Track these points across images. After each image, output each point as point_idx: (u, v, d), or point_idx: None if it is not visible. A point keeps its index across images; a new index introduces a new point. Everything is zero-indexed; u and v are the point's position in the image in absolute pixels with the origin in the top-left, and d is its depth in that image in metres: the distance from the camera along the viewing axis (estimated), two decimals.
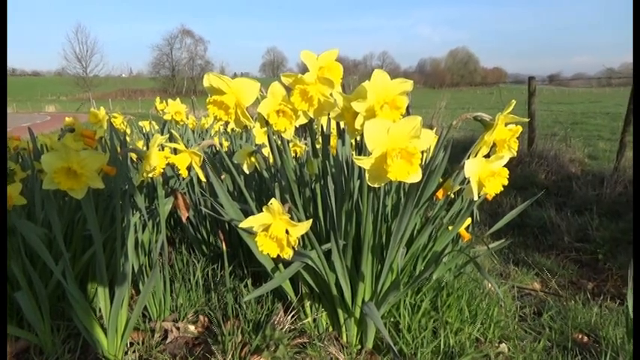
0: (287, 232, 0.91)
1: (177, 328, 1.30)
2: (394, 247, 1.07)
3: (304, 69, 0.93)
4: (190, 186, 1.75)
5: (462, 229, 1.34)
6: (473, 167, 0.91)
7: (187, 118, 2.59)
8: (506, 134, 0.97)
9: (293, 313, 1.29)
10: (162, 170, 1.13)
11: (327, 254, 1.12)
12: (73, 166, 0.92)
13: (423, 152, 1.26)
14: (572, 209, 2.72)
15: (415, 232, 1.27)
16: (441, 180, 1.14)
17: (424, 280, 1.26)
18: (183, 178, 1.69)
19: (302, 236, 1.06)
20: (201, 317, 1.37)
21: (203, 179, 1.27)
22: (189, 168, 1.23)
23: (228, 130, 2.82)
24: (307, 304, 1.28)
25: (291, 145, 1.76)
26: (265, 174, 1.42)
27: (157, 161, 1.08)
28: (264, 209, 0.91)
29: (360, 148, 1.07)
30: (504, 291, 1.59)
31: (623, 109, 3.49)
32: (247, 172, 1.45)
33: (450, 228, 1.25)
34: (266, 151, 1.43)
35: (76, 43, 42.20)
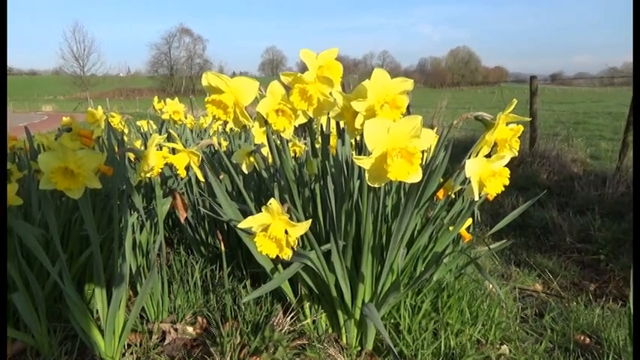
0: (286, 232, 0.91)
1: (176, 330, 1.30)
2: (394, 248, 1.07)
3: (304, 68, 0.93)
4: (189, 186, 1.75)
5: (462, 230, 1.34)
6: (474, 167, 0.91)
7: (186, 118, 2.59)
8: (507, 134, 0.97)
9: (292, 314, 1.29)
10: (160, 170, 1.13)
11: (327, 255, 1.12)
12: (70, 166, 0.92)
13: (423, 152, 1.26)
14: (574, 210, 2.72)
15: (415, 232, 1.27)
16: (441, 180, 1.14)
17: (424, 281, 1.26)
18: (182, 178, 1.69)
19: (301, 237, 1.06)
20: (199, 319, 1.37)
21: (201, 179, 1.27)
22: (188, 168, 1.23)
23: (227, 129, 2.82)
24: (307, 305, 1.28)
25: (290, 144, 1.76)
26: (264, 174, 1.42)
27: (154, 161, 1.08)
28: (263, 209, 0.91)
29: (360, 148, 1.07)
30: (506, 292, 1.59)
31: (626, 108, 3.50)
32: (246, 172, 1.45)
33: (451, 228, 1.25)
34: (265, 150, 1.43)
35: (73, 42, 42.31)
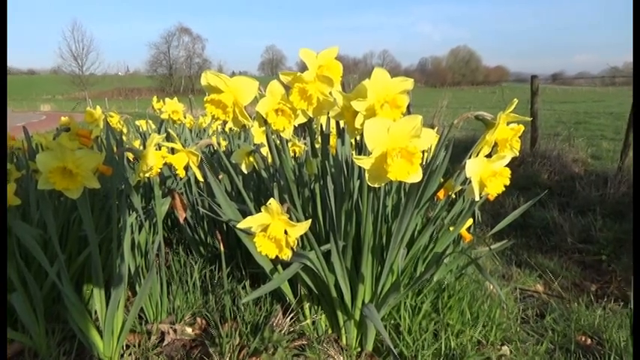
0: (286, 232, 0.91)
1: (175, 331, 1.30)
2: (394, 248, 1.07)
3: (303, 67, 0.93)
4: (188, 186, 1.75)
5: (463, 230, 1.35)
6: (474, 167, 0.91)
7: (185, 118, 2.59)
8: (508, 133, 0.97)
9: (292, 315, 1.29)
10: (159, 170, 1.13)
11: (327, 255, 1.12)
12: (68, 166, 0.92)
13: (423, 152, 1.26)
14: (575, 210, 2.72)
15: (416, 232, 1.27)
16: (442, 180, 1.14)
17: (425, 282, 1.26)
18: (181, 178, 1.69)
19: (301, 237, 1.06)
20: (198, 319, 1.37)
21: (201, 179, 1.27)
22: (187, 168, 1.23)
23: (227, 129, 2.82)
24: (306, 305, 1.28)
25: (290, 144, 1.76)
26: (264, 174, 1.42)
27: (153, 161, 1.08)
28: (262, 209, 0.91)
29: (360, 148, 1.07)
30: (506, 293, 1.59)
31: (627, 108, 3.50)
32: (245, 172, 1.45)
33: (452, 229, 1.25)
34: (264, 150, 1.43)
35: (72, 41, 42.24)
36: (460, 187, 1.20)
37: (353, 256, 1.15)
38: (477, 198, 0.93)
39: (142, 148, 1.82)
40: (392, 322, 1.26)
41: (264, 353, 1.14)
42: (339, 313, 1.22)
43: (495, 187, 0.90)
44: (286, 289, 1.27)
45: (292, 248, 0.92)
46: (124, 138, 2.57)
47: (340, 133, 1.28)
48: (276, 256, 0.92)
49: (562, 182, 3.49)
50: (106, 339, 1.13)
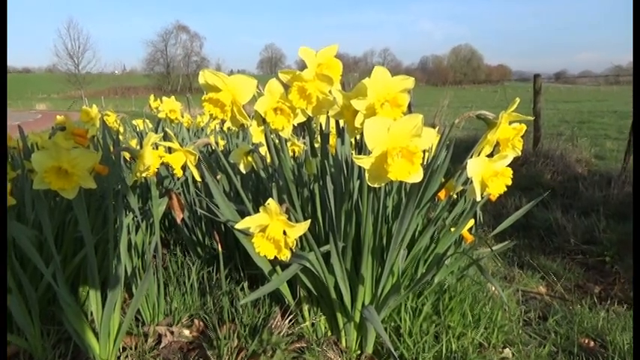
0: (284, 233, 0.91)
1: (172, 333, 1.30)
2: (395, 249, 1.07)
3: (303, 66, 0.93)
4: (185, 186, 1.75)
5: (464, 231, 1.35)
6: (476, 167, 0.91)
7: (182, 117, 2.59)
8: (510, 133, 0.97)
9: (291, 317, 1.29)
10: (156, 170, 1.14)
11: (326, 256, 1.12)
12: (64, 166, 0.92)
13: (424, 151, 1.26)
14: (578, 210, 2.72)
15: (417, 233, 1.27)
16: (443, 180, 1.14)
17: (426, 284, 1.26)
18: (178, 178, 1.69)
19: (300, 238, 1.06)
20: (196, 321, 1.37)
21: (198, 179, 1.27)
22: (184, 167, 1.23)
23: (225, 128, 2.82)
24: (305, 307, 1.28)
25: (289, 144, 1.76)
26: (262, 174, 1.42)
27: (150, 160, 1.08)
28: (261, 210, 0.91)
29: (360, 147, 1.07)
30: (508, 294, 1.59)
31: (632, 107, 3.50)
32: (244, 172, 1.45)
33: (453, 229, 1.25)
34: (263, 150, 1.43)
35: (67, 39, 42.26)
36: (461, 188, 1.20)
37: (353, 257, 1.15)
38: (479, 198, 0.93)
39: (138, 147, 1.82)
40: (392, 324, 1.26)
41: (263, 356, 1.15)
42: (339, 315, 1.22)
43: (497, 188, 0.90)
44: (285, 290, 1.27)
45: (291, 249, 0.92)
46: (121, 137, 2.57)
47: (340, 132, 1.28)
48: (275, 257, 0.92)
49: (565, 182, 3.49)
50: (102, 341, 1.13)
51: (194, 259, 1.66)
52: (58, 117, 1.48)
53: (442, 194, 1.23)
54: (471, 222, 1.39)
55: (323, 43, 0.95)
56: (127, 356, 1.20)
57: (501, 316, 1.34)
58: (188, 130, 2.79)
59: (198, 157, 1.24)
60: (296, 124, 0.99)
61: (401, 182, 1.23)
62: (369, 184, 0.85)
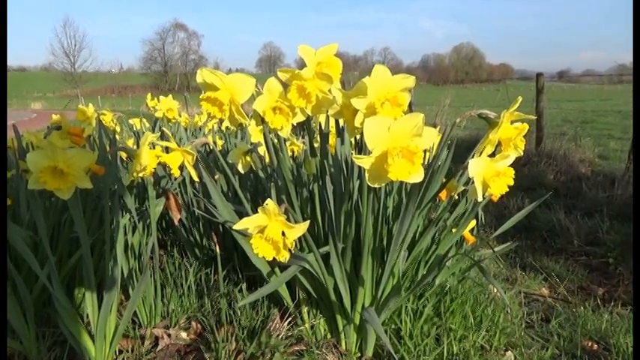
0: (283, 234, 0.91)
1: (169, 335, 1.30)
2: (395, 251, 1.07)
3: (302, 64, 0.93)
4: (183, 186, 1.75)
5: (466, 232, 1.35)
6: (477, 167, 0.91)
7: (180, 116, 2.59)
8: (512, 132, 0.97)
9: (290, 319, 1.29)
10: (153, 170, 1.13)
11: (326, 258, 1.12)
12: (59, 165, 0.92)
13: (425, 151, 1.26)
14: (581, 211, 2.72)
15: (417, 234, 1.27)
16: (444, 180, 1.14)
17: (426, 285, 1.26)
18: (176, 178, 1.69)
19: (299, 239, 1.06)
20: (193, 323, 1.37)
21: (196, 179, 1.27)
22: (182, 167, 1.23)
23: (223, 128, 2.82)
24: (304, 309, 1.28)
25: (288, 143, 1.76)
26: (261, 174, 1.42)
27: (147, 160, 1.08)
28: (259, 210, 0.91)
29: (360, 147, 1.07)
30: (511, 296, 1.59)
31: None
32: (242, 172, 1.45)
33: (454, 230, 1.25)
34: (262, 149, 1.43)
35: (63, 37, 42.20)
36: (463, 188, 1.21)
37: (353, 258, 1.15)
38: (480, 199, 0.93)
39: (135, 147, 1.82)
40: (393, 326, 1.26)
41: (261, 358, 1.15)
42: (339, 318, 1.22)
43: (499, 188, 0.90)
44: (284, 292, 1.27)
45: (290, 250, 0.92)
46: (117, 137, 2.57)
47: (340, 131, 1.28)
48: (274, 259, 0.92)
49: (568, 183, 3.50)
50: (98, 344, 1.13)
51: (192, 261, 1.66)
52: (53, 116, 1.48)
53: (443, 195, 1.23)
54: (473, 223, 1.39)
55: (322, 41, 0.95)
56: (123, 359, 1.20)
57: (503, 318, 1.34)
58: (186, 129, 2.79)
59: (196, 157, 1.24)
60: (295, 124, 0.99)
61: (401, 182, 1.23)
62: (369, 184, 0.85)
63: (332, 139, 1.38)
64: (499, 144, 1.01)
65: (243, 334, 1.26)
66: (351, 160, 1.14)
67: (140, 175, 1.11)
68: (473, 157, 0.99)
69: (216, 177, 1.59)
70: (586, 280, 1.91)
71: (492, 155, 0.97)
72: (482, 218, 1.71)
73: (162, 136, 1.56)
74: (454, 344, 1.20)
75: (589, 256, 2.17)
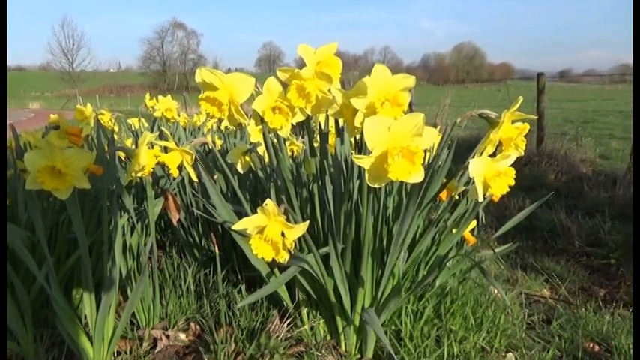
0: (283, 234, 0.91)
1: (167, 337, 1.30)
2: (395, 251, 1.07)
3: (302, 64, 0.93)
4: (181, 186, 1.75)
5: (466, 232, 1.35)
6: (478, 167, 0.91)
7: (179, 116, 2.59)
8: (512, 132, 0.97)
9: (289, 320, 1.29)
10: (151, 170, 1.13)
11: (325, 258, 1.12)
12: (57, 165, 0.92)
13: (425, 151, 1.27)
14: (583, 212, 2.72)
15: (417, 235, 1.27)
16: (444, 180, 1.14)
17: (427, 286, 1.26)
18: (174, 178, 1.69)
19: (298, 239, 1.06)
20: (192, 325, 1.37)
21: (195, 179, 1.27)
22: (181, 167, 1.23)
23: (222, 127, 2.82)
24: (304, 310, 1.28)
25: (287, 143, 1.76)
26: (260, 174, 1.42)
27: (146, 160, 1.08)
28: (258, 210, 0.91)
29: (360, 147, 1.07)
30: (511, 297, 1.59)
31: None
32: (241, 172, 1.45)
33: (454, 231, 1.25)
34: (261, 149, 1.43)
35: (62, 36, 42.11)
36: (463, 188, 1.21)
37: (352, 259, 1.15)
38: (481, 199, 0.93)
39: (134, 147, 1.82)
40: (393, 327, 1.26)
41: None
42: (338, 319, 1.22)
43: (500, 188, 0.90)
44: (283, 293, 1.27)
45: (289, 251, 0.92)
46: (116, 137, 2.57)
47: (339, 131, 1.28)
48: (273, 259, 0.92)
49: (569, 183, 3.50)
50: (96, 345, 1.13)
51: (190, 261, 1.66)
52: (51, 116, 1.48)
53: (444, 195, 1.23)
54: (473, 223, 1.39)
55: (322, 41, 0.95)
56: None
57: (504, 319, 1.34)
58: (184, 129, 2.79)
59: (195, 157, 1.24)
60: (295, 124, 0.99)
61: (402, 183, 1.23)
62: (369, 184, 0.85)
63: (332, 139, 1.39)
64: (500, 144, 1.01)
65: (242, 335, 1.26)
66: (351, 160, 1.14)
67: (139, 175, 1.11)
68: (473, 157, 0.99)
69: (215, 177, 1.59)
70: (587, 280, 1.91)
71: (493, 155, 0.98)
72: (483, 219, 1.71)
73: (161, 136, 1.56)
74: (454, 345, 1.20)
75: (590, 256, 2.17)
